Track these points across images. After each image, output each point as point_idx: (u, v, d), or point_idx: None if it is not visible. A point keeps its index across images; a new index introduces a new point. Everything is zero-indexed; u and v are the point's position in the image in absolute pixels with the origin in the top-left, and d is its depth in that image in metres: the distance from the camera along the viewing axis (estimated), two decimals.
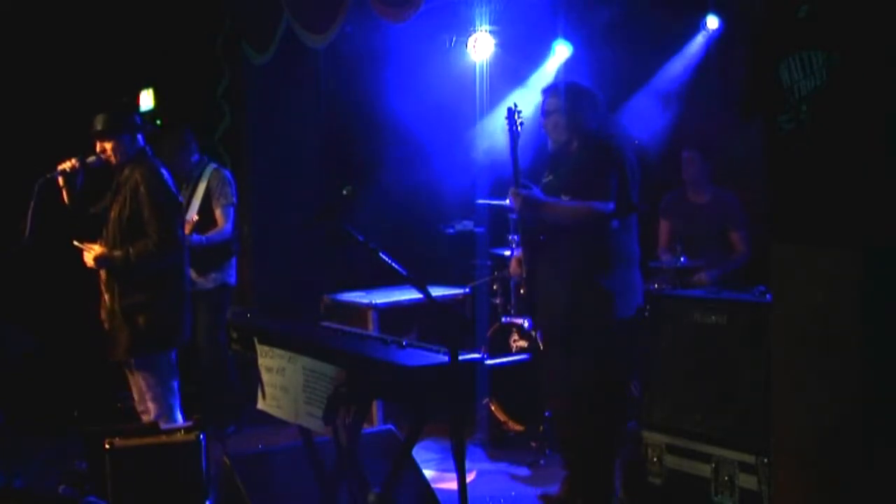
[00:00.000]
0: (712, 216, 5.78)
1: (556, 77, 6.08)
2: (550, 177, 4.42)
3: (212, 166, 6.06)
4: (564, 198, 4.26)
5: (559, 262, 4.29)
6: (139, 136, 4.74)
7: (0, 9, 6.66)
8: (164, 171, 4.72)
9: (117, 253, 4.56)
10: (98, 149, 4.69)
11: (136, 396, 4.82)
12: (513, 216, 5.69)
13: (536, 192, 4.32)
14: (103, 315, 4.72)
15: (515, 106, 4.44)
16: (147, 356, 4.65)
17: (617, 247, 4.28)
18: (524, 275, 4.51)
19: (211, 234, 5.83)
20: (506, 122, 4.43)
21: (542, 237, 4.36)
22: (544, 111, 4.44)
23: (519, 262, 4.64)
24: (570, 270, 4.24)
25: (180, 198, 4.94)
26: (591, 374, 4.18)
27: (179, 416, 4.69)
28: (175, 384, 4.73)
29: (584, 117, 4.35)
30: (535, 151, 4.83)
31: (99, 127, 4.65)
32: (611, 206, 4.19)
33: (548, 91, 4.49)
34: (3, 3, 6.70)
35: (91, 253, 4.60)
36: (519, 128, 4.40)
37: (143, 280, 4.60)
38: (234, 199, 5.97)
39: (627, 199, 4.25)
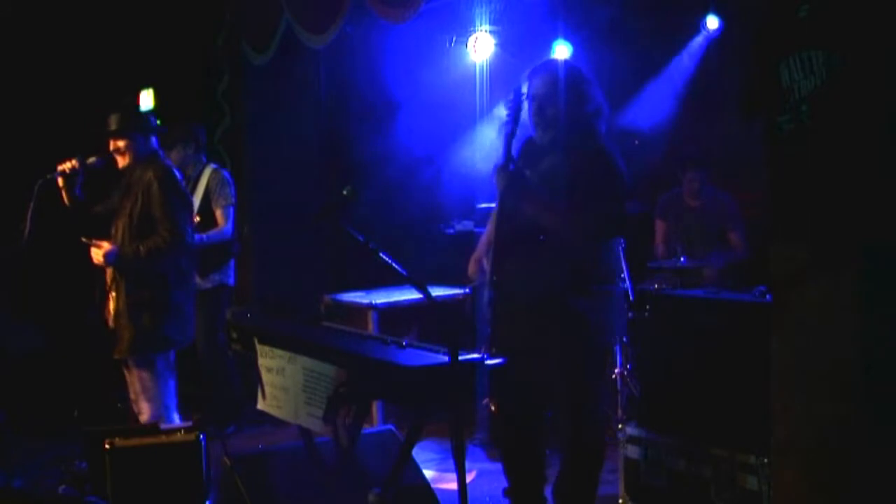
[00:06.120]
0: (710, 217, 5.80)
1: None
2: (527, 172, 3.78)
3: (211, 166, 6.09)
4: None
5: (529, 271, 3.72)
6: (153, 138, 4.78)
7: (0, 9, 6.67)
8: (176, 172, 4.75)
9: (127, 249, 4.56)
10: (111, 147, 4.70)
11: (132, 395, 4.80)
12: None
13: (527, 176, 3.68)
14: (107, 314, 4.71)
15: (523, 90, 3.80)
16: (148, 355, 4.64)
17: (598, 264, 3.78)
18: (493, 277, 3.79)
19: (211, 232, 5.85)
20: (509, 101, 3.80)
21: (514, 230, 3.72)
22: (531, 95, 3.77)
23: (478, 262, 4.06)
24: (540, 284, 3.68)
25: (190, 197, 4.97)
26: (560, 399, 3.82)
27: (176, 417, 4.67)
28: (172, 384, 4.71)
29: (579, 112, 3.73)
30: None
31: (113, 126, 4.66)
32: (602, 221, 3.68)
33: (539, 71, 3.82)
34: (4, 3, 6.71)
35: (100, 250, 4.58)
36: (523, 110, 3.75)
37: (150, 278, 4.60)
38: (233, 200, 6.01)
39: (621, 215, 3.79)
